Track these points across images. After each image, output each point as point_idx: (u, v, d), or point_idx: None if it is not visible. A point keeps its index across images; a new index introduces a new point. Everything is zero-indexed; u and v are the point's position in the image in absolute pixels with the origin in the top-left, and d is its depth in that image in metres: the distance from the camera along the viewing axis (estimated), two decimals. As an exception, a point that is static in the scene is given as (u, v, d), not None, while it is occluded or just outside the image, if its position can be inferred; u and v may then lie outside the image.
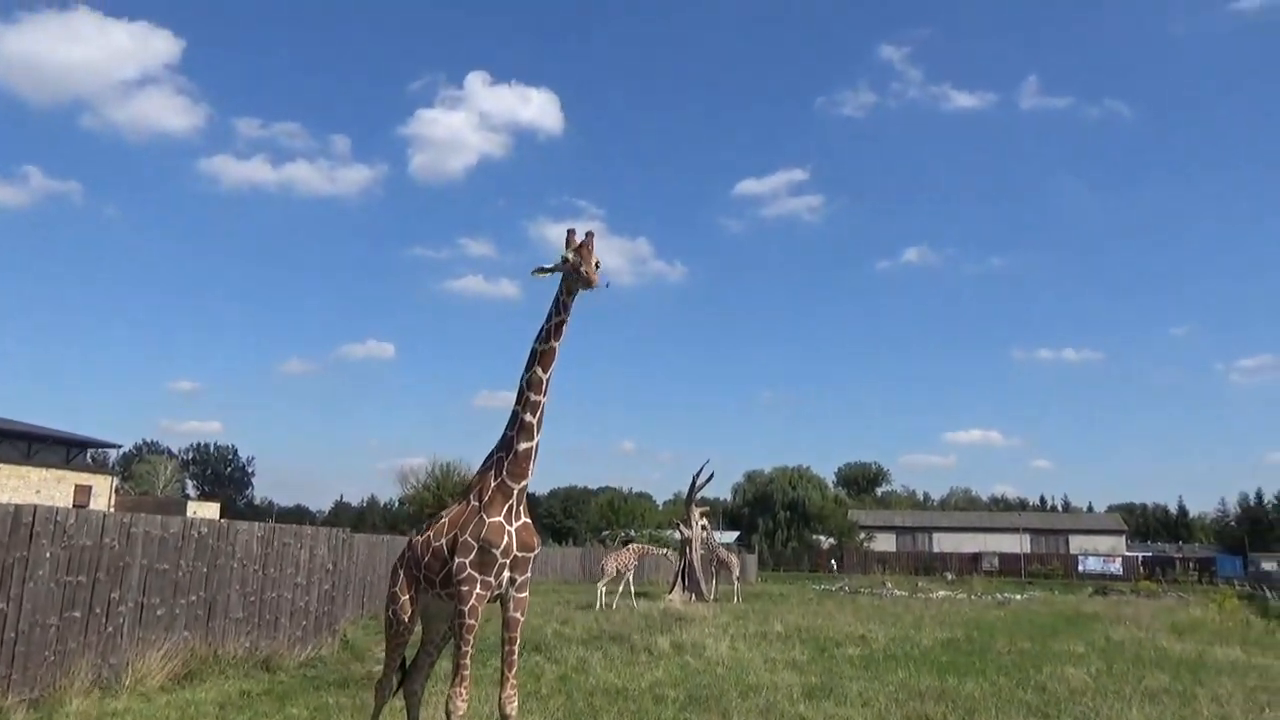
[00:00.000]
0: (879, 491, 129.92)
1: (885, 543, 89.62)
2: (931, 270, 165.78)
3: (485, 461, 6.40)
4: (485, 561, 6.05)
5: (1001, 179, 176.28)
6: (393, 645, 6.73)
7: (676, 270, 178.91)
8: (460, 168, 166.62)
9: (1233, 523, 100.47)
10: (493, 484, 6.21)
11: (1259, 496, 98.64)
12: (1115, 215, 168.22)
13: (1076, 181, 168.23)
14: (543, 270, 6.14)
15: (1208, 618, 31.92)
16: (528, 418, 6.15)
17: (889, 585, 52.63)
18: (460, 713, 6.17)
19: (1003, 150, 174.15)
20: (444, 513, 6.68)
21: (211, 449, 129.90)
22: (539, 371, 6.16)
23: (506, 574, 6.20)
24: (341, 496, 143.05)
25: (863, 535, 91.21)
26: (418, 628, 6.85)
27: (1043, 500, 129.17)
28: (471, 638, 6.10)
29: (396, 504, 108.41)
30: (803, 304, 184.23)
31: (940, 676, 14.67)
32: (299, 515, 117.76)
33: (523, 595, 6.34)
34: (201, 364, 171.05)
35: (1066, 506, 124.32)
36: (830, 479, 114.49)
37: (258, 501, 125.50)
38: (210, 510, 60.87)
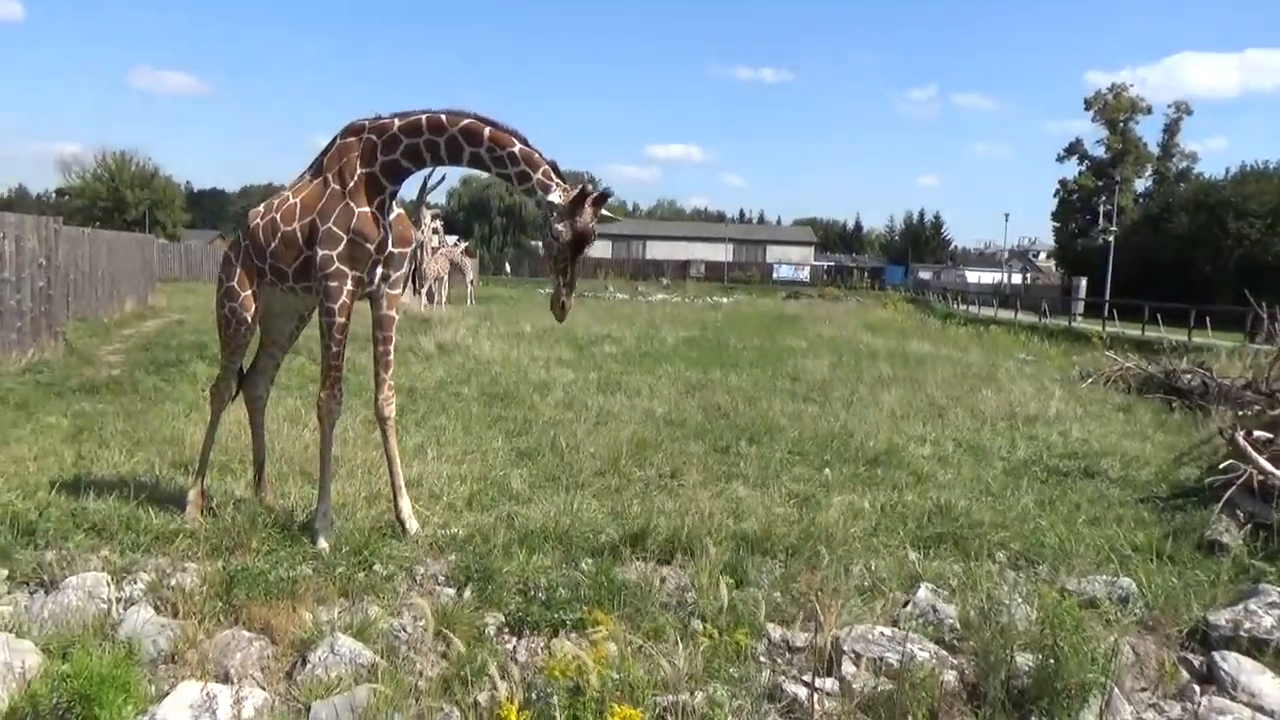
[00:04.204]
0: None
1: (602, 250, 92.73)
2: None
3: (345, 135, 5.29)
4: (357, 256, 5.20)
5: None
6: (232, 347, 5.79)
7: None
8: None
9: (897, 238, 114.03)
10: (360, 170, 5.20)
11: (921, 216, 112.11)
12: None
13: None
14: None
15: (889, 318, 36.67)
16: (463, 157, 5.13)
17: (610, 289, 55.19)
18: (335, 415, 5.58)
19: None
20: (288, 190, 5.57)
21: None
22: (506, 156, 5.00)
23: (380, 270, 5.42)
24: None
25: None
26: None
27: (741, 214, 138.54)
28: (342, 337, 5.38)
29: (55, 195, 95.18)
30: (511, 3, 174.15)
31: (702, 370, 15.70)
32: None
33: (396, 292, 5.63)
34: None
35: (761, 220, 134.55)
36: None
37: None
38: None
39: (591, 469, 7.70)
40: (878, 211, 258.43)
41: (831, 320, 32.49)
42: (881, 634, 4.44)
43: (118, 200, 76.01)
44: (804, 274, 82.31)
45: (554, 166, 4.98)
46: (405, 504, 5.70)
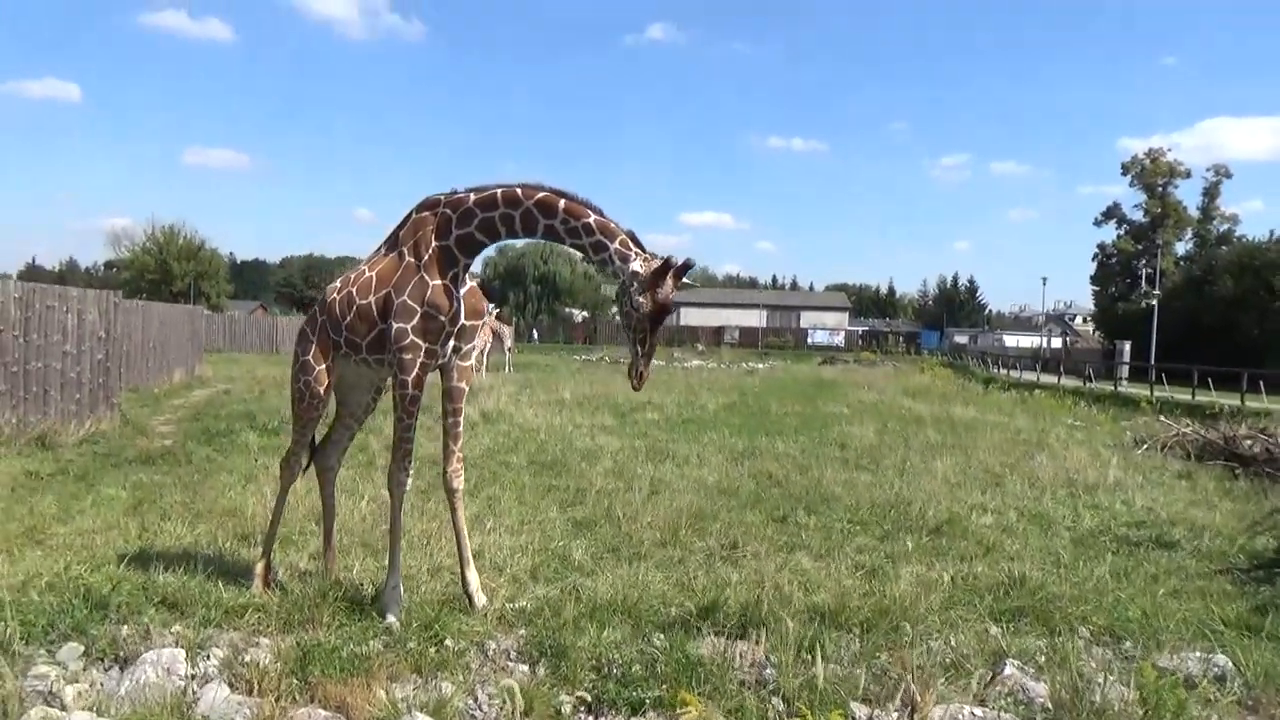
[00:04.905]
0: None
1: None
2: (676, 49, 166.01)
3: (420, 209, 5.38)
4: (430, 328, 5.25)
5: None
6: (304, 420, 5.83)
7: (415, 28, 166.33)
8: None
9: (931, 302, 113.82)
10: (435, 243, 5.28)
11: (954, 280, 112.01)
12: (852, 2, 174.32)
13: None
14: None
15: (928, 382, 36.27)
16: (538, 230, 5.15)
17: (646, 356, 55.28)
18: (404, 488, 5.58)
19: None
20: (364, 265, 5.67)
21: None
22: (581, 228, 5.00)
23: (452, 343, 5.46)
24: (34, 259, 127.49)
25: (615, 309, 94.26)
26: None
27: (774, 280, 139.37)
28: (415, 409, 5.39)
29: (103, 268, 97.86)
30: (546, 75, 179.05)
31: (747, 437, 15.57)
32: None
33: (467, 364, 5.66)
34: None
35: (794, 285, 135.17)
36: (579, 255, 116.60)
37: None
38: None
39: (651, 539, 7.61)
40: (911, 276, 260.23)
41: (870, 386, 32.17)
42: (972, 714, 4.29)
43: (165, 272, 77.68)
44: (839, 339, 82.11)
45: (632, 236, 4.99)
46: (473, 577, 5.64)
